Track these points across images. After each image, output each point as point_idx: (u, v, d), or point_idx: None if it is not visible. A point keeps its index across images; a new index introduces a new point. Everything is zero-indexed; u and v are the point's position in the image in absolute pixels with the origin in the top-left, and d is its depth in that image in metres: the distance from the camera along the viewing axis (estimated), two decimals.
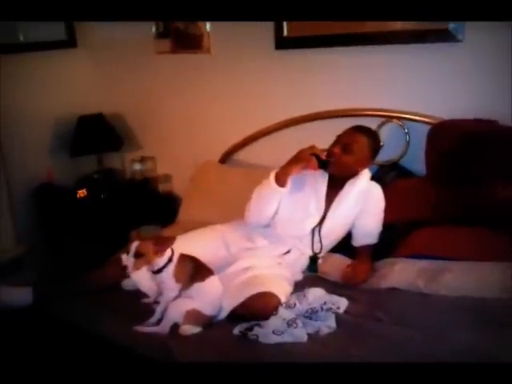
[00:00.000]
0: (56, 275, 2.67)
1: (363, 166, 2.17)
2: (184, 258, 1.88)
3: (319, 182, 2.17)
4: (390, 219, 2.22)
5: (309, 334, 1.73)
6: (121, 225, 2.87)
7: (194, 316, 1.80)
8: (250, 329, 1.74)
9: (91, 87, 3.38)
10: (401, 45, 2.48)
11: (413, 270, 2.04)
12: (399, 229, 2.26)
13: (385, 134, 2.52)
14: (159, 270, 1.83)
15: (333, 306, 1.86)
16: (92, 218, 3.10)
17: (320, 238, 2.16)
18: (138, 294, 2.02)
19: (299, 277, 2.15)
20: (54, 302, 1.98)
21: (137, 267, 1.76)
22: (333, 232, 2.19)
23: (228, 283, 1.94)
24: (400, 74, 2.54)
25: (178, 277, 1.84)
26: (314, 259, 2.18)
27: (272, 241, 2.17)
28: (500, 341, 1.62)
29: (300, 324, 1.76)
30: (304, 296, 1.94)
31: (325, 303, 1.87)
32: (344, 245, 2.24)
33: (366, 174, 2.19)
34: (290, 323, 1.75)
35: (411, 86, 2.53)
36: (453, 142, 2.27)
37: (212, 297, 1.87)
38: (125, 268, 1.75)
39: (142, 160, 3.37)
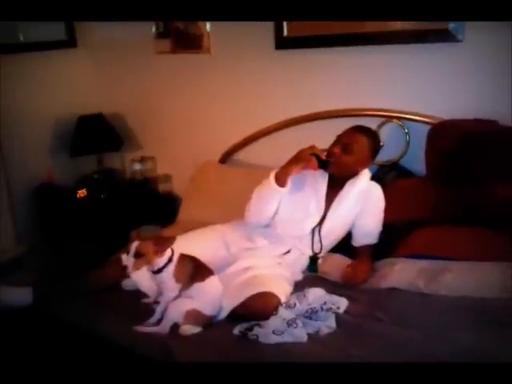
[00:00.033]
0: (56, 275, 2.68)
1: (363, 166, 2.17)
2: (184, 257, 1.88)
3: (319, 181, 2.17)
4: (390, 219, 2.22)
5: (309, 334, 1.73)
6: (121, 225, 2.87)
7: (193, 316, 1.80)
8: (250, 329, 1.74)
9: (91, 87, 3.38)
10: (401, 45, 2.48)
11: (413, 270, 2.04)
12: (399, 229, 2.26)
13: (385, 134, 2.52)
14: (159, 270, 1.83)
15: (333, 306, 1.86)
16: (92, 218, 3.09)
17: (320, 237, 2.16)
18: (138, 294, 2.02)
19: (299, 277, 2.15)
20: (54, 302, 1.98)
21: (137, 267, 1.77)
22: (333, 232, 2.19)
23: (228, 283, 1.94)
24: (400, 73, 2.54)
25: (177, 277, 1.84)
26: (313, 259, 2.18)
27: (272, 241, 2.17)
28: (500, 341, 1.62)
29: (300, 324, 1.76)
30: (304, 296, 1.94)
31: (325, 303, 1.87)
32: (344, 245, 2.24)
33: (366, 174, 2.19)
34: (290, 323, 1.75)
35: (411, 86, 2.53)
36: (453, 142, 2.27)
37: (212, 297, 1.87)
38: (125, 268, 1.75)
39: (142, 160, 3.37)
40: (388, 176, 2.50)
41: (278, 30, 2.74)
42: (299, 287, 2.03)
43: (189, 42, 3.04)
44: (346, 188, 2.16)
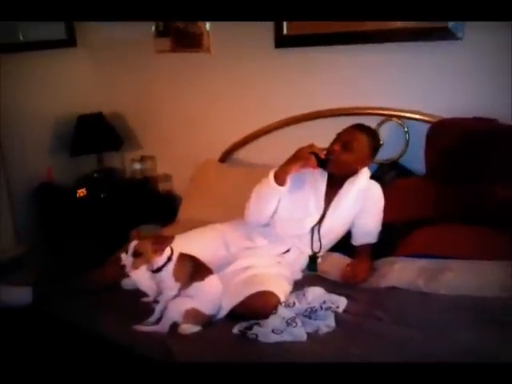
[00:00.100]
0: (56, 275, 2.68)
1: (363, 165, 2.17)
2: (183, 257, 1.88)
3: (318, 180, 2.17)
4: (389, 218, 2.21)
5: (308, 333, 1.73)
6: (121, 224, 2.88)
7: (193, 315, 1.80)
8: (250, 328, 1.74)
9: (91, 86, 3.39)
10: (400, 43, 2.47)
11: (413, 269, 2.04)
12: (399, 228, 2.25)
13: (384, 133, 2.52)
14: (158, 269, 1.83)
15: (332, 305, 1.86)
16: (92, 217, 3.10)
17: (319, 236, 2.16)
18: (137, 293, 2.01)
19: (299, 276, 2.15)
20: (53, 302, 1.99)
21: (135, 266, 1.77)
22: (332, 231, 2.19)
23: (227, 282, 1.94)
24: (400, 72, 2.53)
25: (177, 276, 1.84)
26: (313, 258, 2.18)
27: (271, 240, 2.17)
28: (500, 340, 1.62)
29: (299, 323, 1.75)
30: (303, 295, 1.94)
31: (324, 302, 1.87)
32: (343, 244, 2.24)
33: (365, 173, 2.19)
34: (290, 322, 1.75)
35: (411, 85, 2.52)
36: (452, 140, 2.27)
37: (211, 296, 1.87)
38: (123, 267, 1.75)
39: (142, 159, 3.37)
40: (388, 175, 2.50)
41: (278, 28, 2.74)
42: (299, 286, 2.03)
43: (189, 41, 3.05)
44: (345, 187, 2.16)
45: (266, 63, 2.85)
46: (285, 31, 2.74)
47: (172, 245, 1.84)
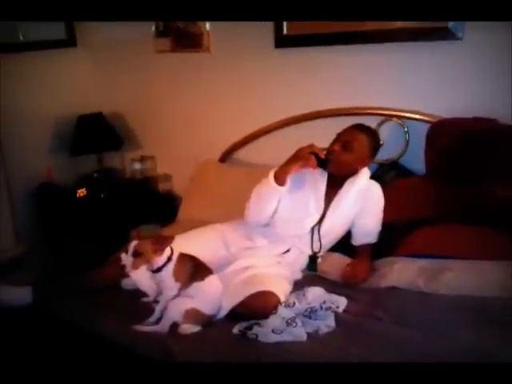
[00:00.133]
0: (56, 275, 2.67)
1: (363, 165, 2.17)
2: (183, 257, 1.88)
3: (318, 180, 2.17)
4: (389, 218, 2.21)
5: (308, 333, 1.73)
6: (121, 224, 2.87)
7: (193, 315, 1.80)
8: (250, 328, 1.74)
9: (91, 86, 3.38)
10: (400, 43, 2.47)
11: (413, 269, 2.04)
12: (399, 228, 2.25)
13: (384, 133, 2.52)
14: (158, 269, 1.83)
15: (332, 305, 1.86)
16: (92, 217, 3.10)
17: (319, 236, 2.16)
18: (137, 293, 2.01)
19: (299, 276, 2.15)
20: (53, 302, 1.98)
21: (135, 266, 1.77)
22: (332, 231, 2.19)
23: (227, 282, 1.94)
24: (399, 72, 2.54)
25: (177, 276, 1.84)
26: (313, 258, 2.18)
27: (271, 240, 2.17)
28: (500, 340, 1.62)
29: (299, 323, 1.75)
30: (303, 295, 1.94)
31: (324, 302, 1.87)
32: (343, 244, 2.24)
33: (365, 173, 2.19)
34: (290, 322, 1.75)
35: (411, 85, 2.52)
36: (452, 140, 2.27)
37: (211, 296, 1.87)
38: (123, 267, 1.75)
39: (142, 159, 3.37)
40: (387, 175, 2.50)
41: (278, 28, 2.74)
42: (299, 286, 2.03)
43: (189, 41, 3.05)
44: (345, 187, 2.16)
45: (266, 63, 2.85)
46: (285, 31, 2.74)
47: (172, 245, 1.84)
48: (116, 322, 1.83)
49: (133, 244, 1.76)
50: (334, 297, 1.92)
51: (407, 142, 2.53)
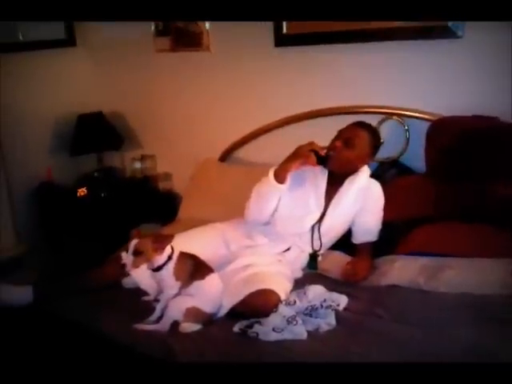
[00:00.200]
0: (56, 274, 2.68)
1: (363, 163, 2.17)
2: (184, 255, 1.88)
3: (319, 178, 2.17)
4: (389, 216, 2.21)
5: (308, 332, 1.73)
6: (121, 223, 2.87)
7: (193, 314, 1.80)
8: (250, 326, 1.74)
9: (91, 86, 3.39)
10: (401, 41, 2.47)
11: (413, 267, 2.04)
12: (399, 226, 2.25)
13: (385, 131, 2.52)
14: (159, 268, 1.83)
15: (333, 304, 1.86)
16: (92, 216, 3.10)
17: (320, 235, 2.16)
18: (138, 291, 2.01)
19: (299, 274, 2.15)
20: (54, 301, 1.99)
21: (136, 265, 1.77)
22: (332, 229, 2.19)
23: (228, 281, 1.94)
24: (400, 70, 2.53)
25: (177, 274, 1.84)
26: (313, 256, 2.18)
27: (272, 238, 2.17)
28: (500, 338, 1.61)
29: (300, 321, 1.76)
30: (304, 293, 1.94)
31: (325, 300, 1.87)
32: (344, 242, 2.24)
33: (365, 171, 2.19)
34: (290, 320, 1.75)
35: (411, 83, 2.52)
36: (452, 138, 2.27)
37: (212, 294, 1.87)
38: (124, 266, 1.75)
39: (142, 158, 3.37)
40: (388, 173, 2.50)
41: (278, 27, 2.74)
42: (299, 284, 2.03)
43: (188, 40, 3.05)
44: (345, 185, 2.16)
45: (266, 62, 2.85)
46: (284, 30, 2.74)
47: (172, 243, 1.84)
48: (116, 321, 1.83)
49: (133, 243, 1.76)
50: (335, 295, 1.92)
51: (407, 141, 2.53)
